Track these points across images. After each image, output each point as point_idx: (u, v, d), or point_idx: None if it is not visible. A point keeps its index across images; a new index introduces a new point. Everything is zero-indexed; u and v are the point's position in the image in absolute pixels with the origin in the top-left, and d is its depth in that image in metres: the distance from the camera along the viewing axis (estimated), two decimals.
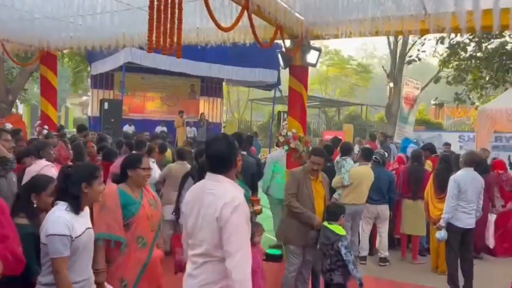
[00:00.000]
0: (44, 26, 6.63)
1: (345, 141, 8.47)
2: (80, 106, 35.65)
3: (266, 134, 21.40)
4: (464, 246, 5.35)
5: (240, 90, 30.88)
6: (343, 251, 4.15)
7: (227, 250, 2.31)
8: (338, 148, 6.71)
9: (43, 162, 4.54)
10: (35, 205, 2.85)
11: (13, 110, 17.50)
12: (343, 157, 6.11)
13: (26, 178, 3.91)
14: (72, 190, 2.69)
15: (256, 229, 3.88)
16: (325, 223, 4.35)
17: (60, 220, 2.56)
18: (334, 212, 4.44)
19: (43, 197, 2.87)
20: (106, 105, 12.81)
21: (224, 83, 19.60)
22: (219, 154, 2.46)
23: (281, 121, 13.96)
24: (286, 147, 6.46)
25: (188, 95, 18.47)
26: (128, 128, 14.33)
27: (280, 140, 6.88)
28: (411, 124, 15.11)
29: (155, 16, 3.32)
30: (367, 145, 8.81)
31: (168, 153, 7.77)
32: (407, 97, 15.38)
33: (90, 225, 2.81)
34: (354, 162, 6.35)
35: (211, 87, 18.94)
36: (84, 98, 31.84)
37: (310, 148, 6.50)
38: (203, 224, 2.41)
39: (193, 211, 2.48)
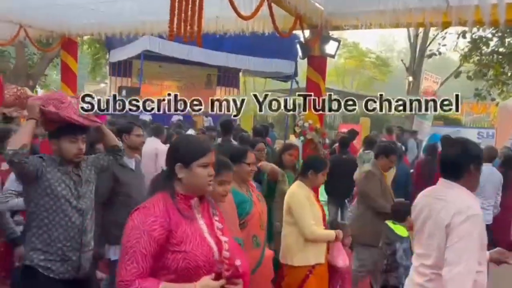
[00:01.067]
0: (65, 12, 6.70)
1: (369, 134, 8.41)
2: (97, 93, 36.07)
3: (282, 126, 21.37)
4: None
5: (256, 81, 30.82)
6: (399, 253, 3.95)
7: (447, 258, 2.13)
8: (355, 140, 6.67)
9: None
10: None
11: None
12: (366, 151, 6.07)
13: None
14: None
15: (344, 229, 3.80)
16: (389, 222, 4.16)
17: None
18: (399, 211, 4.15)
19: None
20: (124, 93, 12.96)
21: (240, 74, 19.60)
22: (452, 159, 2.33)
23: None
24: (302, 138, 6.46)
25: (205, 85, 18.53)
26: (145, 116, 14.46)
27: (296, 131, 6.88)
28: (430, 119, 14.92)
29: (176, 4, 3.34)
30: (384, 139, 8.75)
31: None
32: (426, 91, 15.20)
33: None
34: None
35: (228, 77, 18.96)
36: (102, 85, 32.16)
37: (327, 140, 6.49)
38: (431, 231, 2.28)
39: (420, 217, 2.38)
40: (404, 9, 5.15)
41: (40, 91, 24.50)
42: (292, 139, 8.51)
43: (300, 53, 6.41)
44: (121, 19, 6.88)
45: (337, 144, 7.95)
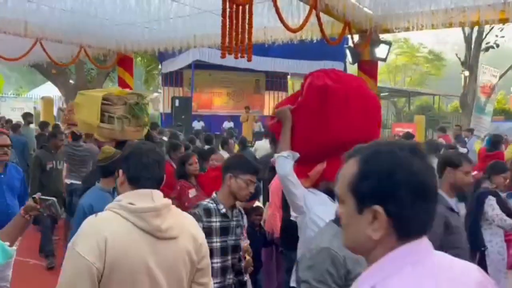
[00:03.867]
0: (122, 31, 7.06)
1: (430, 139, 8.19)
2: (150, 102, 37.30)
3: None
4: None
5: None
6: None
7: None
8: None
9: None
10: None
11: None
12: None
13: None
14: None
15: None
16: None
17: None
18: None
19: None
20: (177, 102, 13.35)
21: (288, 77, 19.61)
22: None
23: None
24: None
25: (253, 90, 18.71)
26: (197, 124, 14.83)
27: None
28: (489, 114, 14.24)
29: (227, 23, 3.45)
30: (441, 139, 8.47)
31: (236, 147, 8.00)
32: (484, 86, 14.50)
33: None
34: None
35: (276, 82, 19.04)
36: (155, 94, 33.30)
37: None
38: None
39: None
40: (457, 8, 5.00)
41: None
42: None
43: (349, 58, 6.36)
44: (173, 35, 7.16)
45: None
